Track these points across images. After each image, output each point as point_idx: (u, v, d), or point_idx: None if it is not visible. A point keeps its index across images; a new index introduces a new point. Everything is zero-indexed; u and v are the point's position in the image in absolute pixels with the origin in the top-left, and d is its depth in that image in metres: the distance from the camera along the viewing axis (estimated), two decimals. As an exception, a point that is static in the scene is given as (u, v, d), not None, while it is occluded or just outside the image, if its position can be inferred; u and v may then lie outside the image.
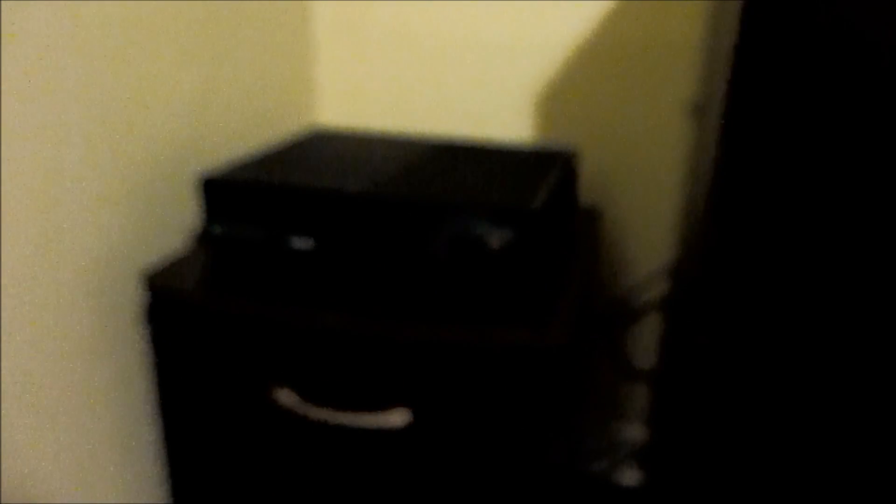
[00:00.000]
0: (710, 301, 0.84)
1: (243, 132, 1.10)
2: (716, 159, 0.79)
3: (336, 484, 0.86)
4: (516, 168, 0.91)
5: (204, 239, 0.86)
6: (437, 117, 1.27)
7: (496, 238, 0.77)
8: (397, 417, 0.79)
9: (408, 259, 0.80)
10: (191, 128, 0.98)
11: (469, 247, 0.78)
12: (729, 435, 0.88)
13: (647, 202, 1.23)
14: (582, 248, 0.97)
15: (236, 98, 1.07)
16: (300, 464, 0.87)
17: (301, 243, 0.83)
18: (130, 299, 0.91)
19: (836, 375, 0.82)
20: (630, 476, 1.36)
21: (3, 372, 0.73)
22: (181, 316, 0.84)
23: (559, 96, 1.21)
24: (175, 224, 0.98)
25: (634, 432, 1.37)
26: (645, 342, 1.32)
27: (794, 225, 0.77)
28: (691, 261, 1.05)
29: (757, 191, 0.77)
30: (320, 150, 0.98)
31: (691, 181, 1.12)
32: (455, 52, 1.23)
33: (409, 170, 0.89)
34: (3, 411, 0.74)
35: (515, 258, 0.77)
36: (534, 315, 0.77)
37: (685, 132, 1.18)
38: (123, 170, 0.87)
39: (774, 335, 0.82)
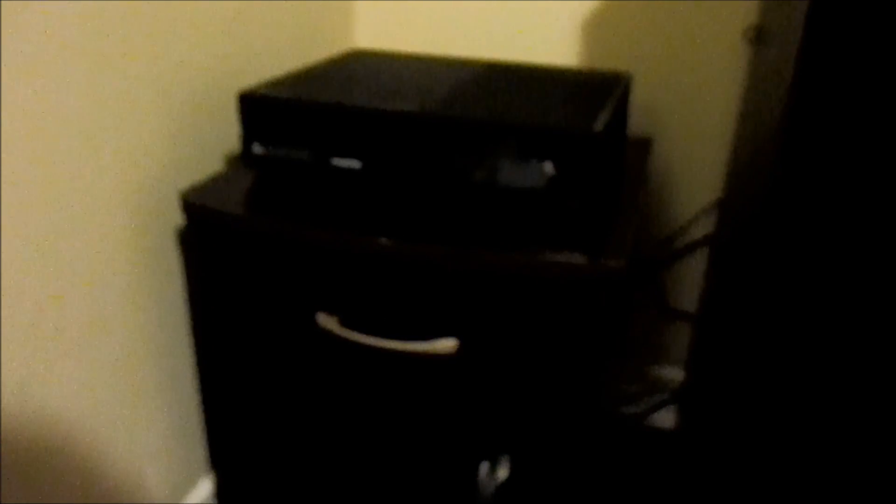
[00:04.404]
0: (769, 238, 0.80)
1: (282, 55, 1.05)
2: (789, 90, 0.74)
3: (381, 412, 0.84)
4: (572, 91, 0.86)
5: (245, 159, 0.83)
6: (481, 43, 1.21)
7: (553, 161, 0.73)
8: (447, 345, 0.77)
9: (459, 182, 0.76)
10: (229, 49, 0.94)
11: (524, 170, 0.74)
12: (772, 379, 0.85)
13: (696, 135, 1.18)
14: (632, 178, 0.93)
15: (274, 19, 1.02)
16: (342, 391, 0.85)
17: (346, 164, 0.79)
18: (171, 222, 0.88)
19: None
20: (664, 419, 1.34)
21: (39, 292, 0.71)
22: (218, 237, 0.82)
23: (609, 21, 1.15)
24: (217, 148, 0.95)
25: (670, 375, 1.34)
26: (685, 283, 1.29)
27: (871, 162, 0.72)
28: (741, 197, 1.01)
29: (832, 125, 0.72)
30: (363, 71, 0.93)
31: (745, 114, 1.07)
32: (501, -27, 1.17)
33: (460, 91, 0.84)
34: (37, 333, 0.72)
35: (572, 183, 0.73)
36: (590, 241, 0.73)
37: (741, 61, 1.12)
38: (162, 90, 0.83)
39: (837, 277, 0.78)
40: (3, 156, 0.65)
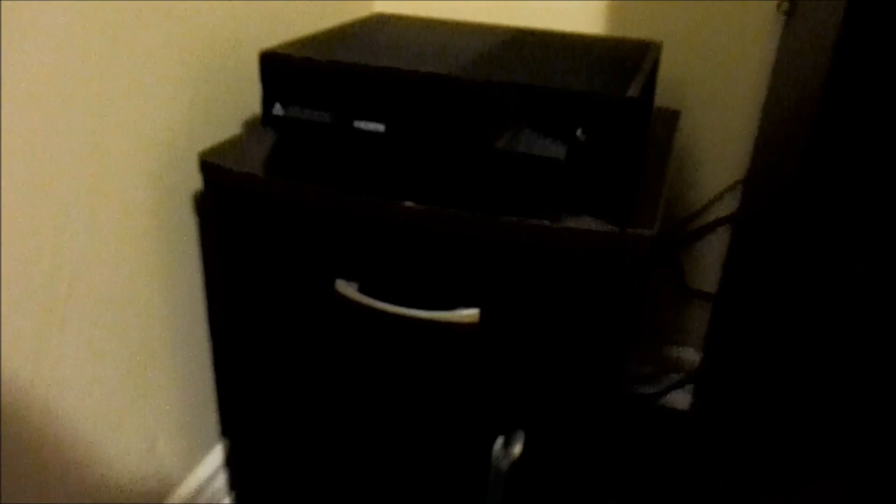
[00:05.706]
0: (797, 218, 0.78)
1: (300, 19, 1.03)
2: (828, 67, 0.71)
3: (398, 382, 0.83)
4: (602, 58, 0.84)
5: (265, 120, 0.81)
6: (504, 10, 1.19)
7: (585, 127, 0.71)
8: (469, 314, 0.75)
9: (486, 148, 0.74)
10: (247, 12, 0.91)
11: (555, 135, 0.72)
12: (790, 362, 0.83)
13: (721, 110, 1.15)
14: (660, 149, 0.90)
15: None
16: (358, 360, 0.83)
17: (369, 127, 0.77)
18: (188, 187, 0.86)
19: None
20: (679, 400, 1.33)
21: (53, 257, 0.70)
22: (236, 200, 0.80)
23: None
24: (236, 113, 0.93)
25: (685, 356, 1.33)
26: (703, 263, 1.26)
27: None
28: (768, 176, 0.99)
29: (870, 104, 0.70)
30: (387, 34, 0.91)
31: (774, 90, 1.04)
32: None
33: (487, 55, 0.82)
34: (56, 295, 0.71)
35: (604, 150, 0.71)
36: (620, 210, 0.71)
37: (772, 35, 1.09)
38: (180, 53, 0.81)
39: (862, 261, 0.76)
40: (18, 120, 0.63)
